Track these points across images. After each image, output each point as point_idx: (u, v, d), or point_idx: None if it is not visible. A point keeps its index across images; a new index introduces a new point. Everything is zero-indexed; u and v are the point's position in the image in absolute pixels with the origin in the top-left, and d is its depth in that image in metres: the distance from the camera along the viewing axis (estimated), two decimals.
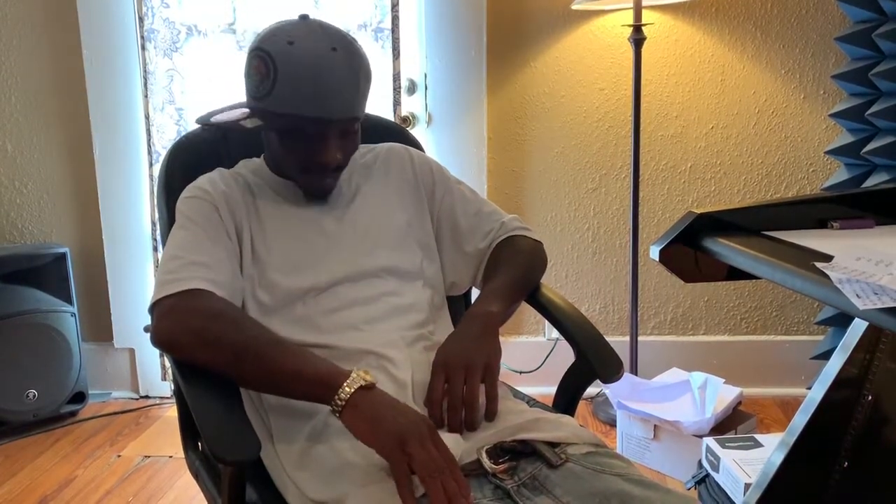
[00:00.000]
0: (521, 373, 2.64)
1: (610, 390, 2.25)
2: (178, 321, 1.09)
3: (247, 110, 1.22)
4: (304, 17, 1.20)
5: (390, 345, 1.16)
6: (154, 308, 1.11)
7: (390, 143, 1.44)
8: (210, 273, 1.13)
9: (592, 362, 1.24)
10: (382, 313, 1.21)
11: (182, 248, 1.17)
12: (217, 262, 1.16)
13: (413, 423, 0.98)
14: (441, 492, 0.93)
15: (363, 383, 1.02)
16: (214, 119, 1.25)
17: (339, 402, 1.01)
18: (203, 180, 1.26)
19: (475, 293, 1.32)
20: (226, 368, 1.08)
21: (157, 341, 1.11)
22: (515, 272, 1.31)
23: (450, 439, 1.06)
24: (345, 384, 1.01)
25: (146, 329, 1.13)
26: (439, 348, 1.16)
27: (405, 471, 0.95)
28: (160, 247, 1.30)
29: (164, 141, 2.59)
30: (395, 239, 1.30)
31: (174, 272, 1.12)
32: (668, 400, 2.16)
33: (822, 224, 1.10)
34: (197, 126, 1.44)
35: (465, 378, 1.10)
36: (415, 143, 1.54)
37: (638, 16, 2.27)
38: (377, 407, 1.00)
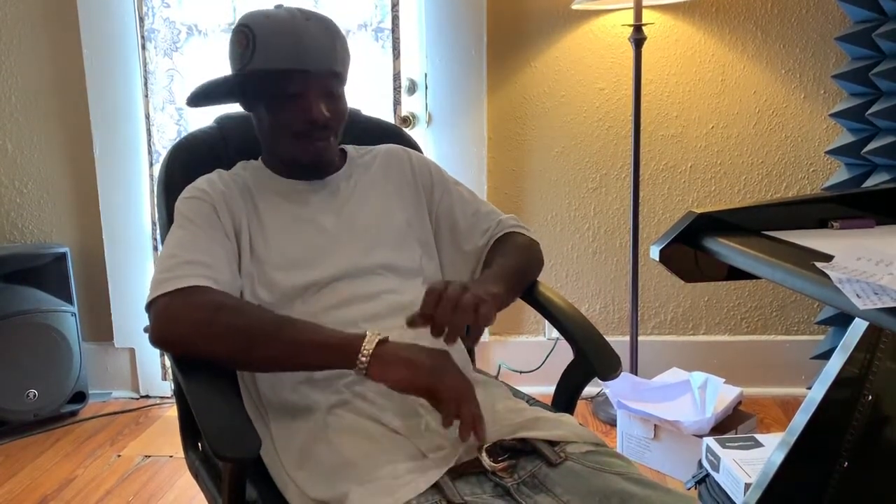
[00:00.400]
0: (521, 372, 2.64)
1: (610, 390, 2.25)
2: (179, 318, 1.09)
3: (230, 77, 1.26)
4: (278, 7, 1.25)
5: None
6: (151, 307, 1.12)
7: (389, 144, 1.45)
8: (207, 271, 1.14)
9: (591, 359, 1.24)
10: (382, 310, 1.21)
11: (179, 247, 1.17)
12: (215, 261, 1.16)
13: (440, 354, 1.05)
14: (471, 416, 1.01)
15: (380, 338, 1.05)
16: (200, 85, 1.27)
17: (363, 361, 1.03)
18: (202, 181, 1.27)
19: None
20: (237, 356, 1.09)
21: (158, 340, 1.11)
22: (513, 263, 1.31)
23: (449, 439, 1.06)
24: (364, 344, 1.04)
25: (146, 329, 1.13)
26: None
27: (452, 397, 1.01)
28: (160, 247, 1.30)
29: (165, 141, 2.59)
30: (395, 237, 1.31)
31: (170, 270, 1.13)
32: (668, 400, 2.16)
33: (822, 224, 1.10)
34: (198, 127, 1.46)
35: (461, 295, 1.07)
36: (412, 144, 1.54)
37: (638, 15, 2.27)
38: (402, 352, 1.04)
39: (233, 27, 1.25)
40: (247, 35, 1.21)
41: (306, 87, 1.21)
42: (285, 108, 1.23)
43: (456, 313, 1.04)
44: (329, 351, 1.07)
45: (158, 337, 1.10)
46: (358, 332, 1.06)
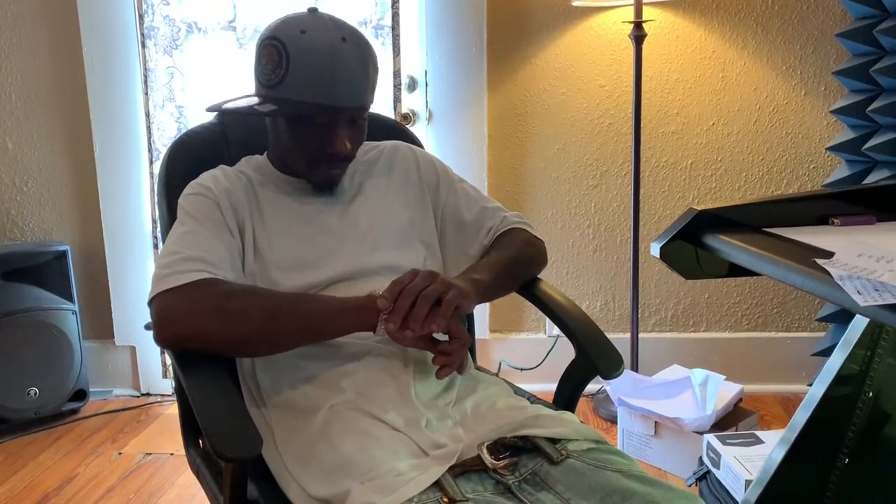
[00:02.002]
0: (522, 370, 2.64)
1: (611, 387, 2.25)
2: (186, 314, 1.08)
3: (258, 98, 1.22)
4: (312, 10, 1.21)
5: (391, 343, 1.16)
6: (151, 304, 1.11)
7: (394, 141, 1.44)
8: (209, 267, 1.13)
9: (593, 358, 1.24)
10: None
11: (180, 243, 1.16)
12: (217, 257, 1.16)
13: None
14: (463, 359, 1.17)
15: None
16: (226, 106, 1.25)
17: (384, 317, 1.09)
18: (205, 177, 1.26)
19: None
20: (257, 337, 1.10)
21: (164, 339, 1.10)
22: (507, 255, 1.32)
23: (450, 436, 1.07)
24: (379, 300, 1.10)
25: (147, 327, 1.13)
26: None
27: (461, 338, 1.14)
28: (160, 244, 1.29)
29: (165, 139, 2.59)
30: (398, 237, 1.30)
31: (170, 266, 1.12)
32: (669, 397, 2.16)
33: (823, 221, 1.10)
34: (199, 123, 1.45)
35: (427, 285, 1.10)
36: (412, 140, 1.54)
37: (639, 12, 2.27)
38: None
39: (263, 36, 1.20)
40: (279, 53, 1.16)
41: (334, 121, 1.19)
42: (308, 135, 1.21)
43: (417, 303, 1.07)
44: (348, 314, 1.11)
45: (165, 335, 1.09)
46: (370, 294, 1.11)
